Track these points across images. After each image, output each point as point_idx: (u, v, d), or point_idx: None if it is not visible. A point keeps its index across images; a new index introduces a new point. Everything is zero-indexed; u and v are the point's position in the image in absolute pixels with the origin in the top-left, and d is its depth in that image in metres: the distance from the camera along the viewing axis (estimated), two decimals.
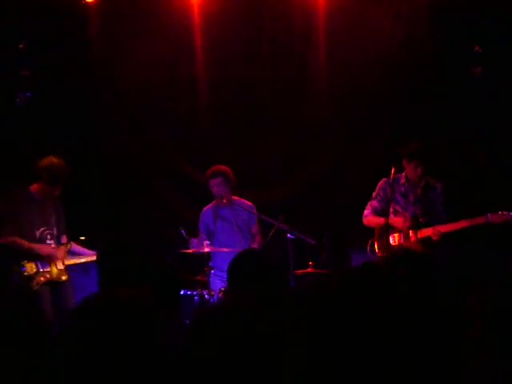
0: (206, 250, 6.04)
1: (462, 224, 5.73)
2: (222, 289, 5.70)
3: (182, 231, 6.10)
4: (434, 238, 5.72)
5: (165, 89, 7.37)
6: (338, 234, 6.46)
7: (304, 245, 6.09)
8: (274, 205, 6.92)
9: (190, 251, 6.18)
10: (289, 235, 6.00)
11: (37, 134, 6.72)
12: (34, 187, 5.83)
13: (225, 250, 6.08)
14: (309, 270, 6.23)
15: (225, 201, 6.34)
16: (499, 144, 6.83)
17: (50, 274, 5.75)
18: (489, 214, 5.64)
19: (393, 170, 5.85)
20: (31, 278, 5.64)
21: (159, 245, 6.57)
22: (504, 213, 5.63)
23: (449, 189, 6.08)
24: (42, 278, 5.69)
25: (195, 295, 5.79)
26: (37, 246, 5.70)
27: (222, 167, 6.39)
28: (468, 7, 6.79)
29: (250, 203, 6.54)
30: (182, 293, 5.79)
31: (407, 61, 7.09)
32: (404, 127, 6.94)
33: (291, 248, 5.98)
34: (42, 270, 5.70)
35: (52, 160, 5.78)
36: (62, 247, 5.89)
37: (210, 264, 6.15)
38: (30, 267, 5.66)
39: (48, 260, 5.73)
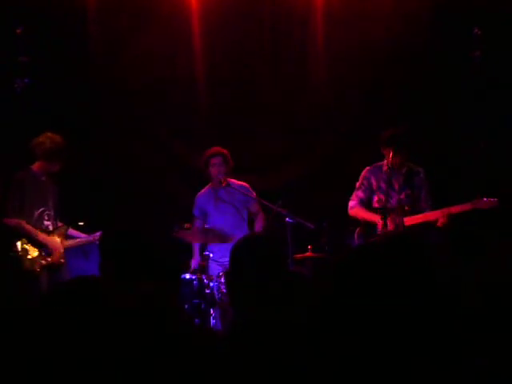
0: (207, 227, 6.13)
1: (450, 210, 5.63)
2: (221, 274, 5.74)
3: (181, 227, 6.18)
4: (441, 220, 5.61)
5: (163, 77, 7.36)
6: (337, 218, 6.46)
7: (303, 229, 6.09)
8: (274, 190, 6.94)
9: (188, 226, 6.25)
10: (287, 219, 6.02)
11: (35, 120, 6.71)
12: (35, 166, 5.86)
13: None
14: (308, 254, 6.26)
15: (223, 184, 6.36)
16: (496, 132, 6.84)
17: (52, 258, 5.77)
18: (475, 200, 5.60)
19: (391, 153, 5.85)
20: (34, 260, 5.66)
21: (159, 229, 6.58)
22: (490, 199, 5.59)
23: (430, 175, 6.04)
24: (43, 262, 5.71)
25: (194, 279, 5.82)
26: (38, 233, 5.71)
27: (223, 149, 6.46)
28: None
29: (244, 183, 6.58)
30: (182, 277, 5.85)
31: (407, 48, 7.07)
32: (404, 113, 6.95)
33: (290, 232, 6.01)
34: (44, 253, 5.72)
35: (46, 135, 5.81)
36: (61, 230, 5.90)
37: (207, 250, 6.21)
38: (33, 250, 5.69)
39: (50, 247, 5.75)
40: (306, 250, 6.23)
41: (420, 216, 5.76)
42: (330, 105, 7.35)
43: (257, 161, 7.33)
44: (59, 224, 5.96)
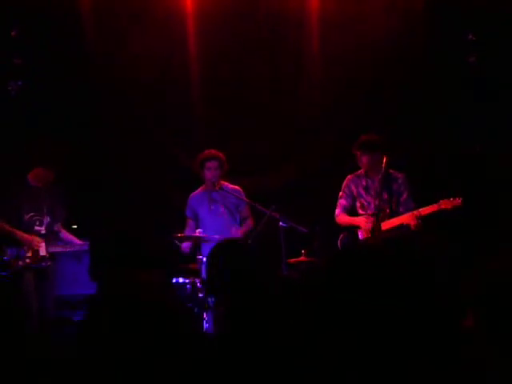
0: (198, 234, 6.10)
1: (420, 212, 5.75)
2: None
3: (175, 241, 6.17)
4: (413, 223, 5.73)
5: (158, 78, 7.35)
6: (330, 222, 6.47)
7: (296, 233, 6.10)
8: (267, 193, 6.94)
9: (182, 235, 6.25)
10: (281, 223, 6.02)
11: (30, 123, 6.71)
12: (30, 173, 5.88)
13: (216, 236, 6.10)
14: (301, 258, 6.25)
15: (217, 188, 6.37)
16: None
17: (30, 259, 5.75)
18: (441, 201, 5.71)
19: (385, 159, 5.90)
20: (9, 262, 5.65)
21: (153, 232, 6.58)
22: (453, 199, 5.68)
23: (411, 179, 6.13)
24: (20, 263, 5.71)
25: (187, 283, 5.81)
26: (17, 232, 5.72)
27: (218, 152, 6.45)
28: None
29: (237, 187, 6.59)
30: (174, 281, 5.84)
31: (402, 49, 7.11)
32: (401, 115, 6.97)
33: (283, 236, 6.01)
34: (21, 254, 5.71)
35: (42, 142, 5.82)
36: (48, 237, 5.90)
37: (200, 253, 6.19)
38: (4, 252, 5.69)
39: (27, 246, 5.74)
40: (300, 255, 6.21)
41: (394, 220, 5.89)
42: (325, 106, 7.35)
43: (250, 163, 7.32)
44: (56, 228, 5.95)
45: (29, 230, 5.80)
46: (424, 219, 5.73)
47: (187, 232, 6.50)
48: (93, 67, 7.27)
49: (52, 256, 5.84)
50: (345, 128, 7.26)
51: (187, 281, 5.85)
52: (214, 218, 6.55)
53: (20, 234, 5.72)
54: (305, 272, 6.08)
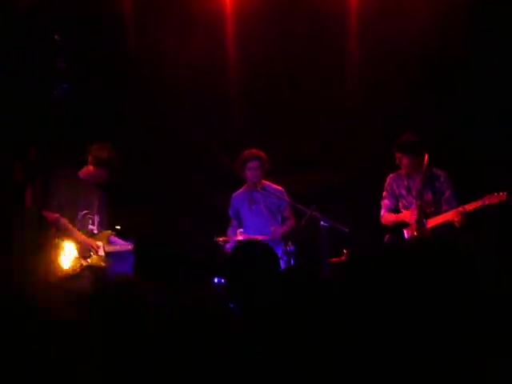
0: (240, 237, 6.11)
1: (465, 208, 5.68)
2: None
3: (217, 239, 6.20)
4: (457, 219, 5.66)
5: (199, 81, 7.41)
6: (371, 221, 6.44)
7: (338, 233, 6.08)
8: (309, 193, 6.94)
9: (224, 239, 6.27)
10: (322, 223, 6.02)
11: (74, 126, 6.83)
12: (82, 171, 6.00)
13: (258, 237, 6.12)
14: (343, 258, 6.23)
15: (258, 188, 6.40)
16: None
17: (92, 259, 5.86)
18: (486, 196, 5.63)
19: (426, 157, 5.85)
20: (73, 260, 5.76)
21: (194, 234, 6.64)
22: (499, 193, 5.58)
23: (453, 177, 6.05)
24: (83, 262, 5.81)
25: None
26: (75, 231, 5.82)
27: (260, 152, 6.47)
28: None
29: (279, 187, 6.60)
30: (215, 281, 5.88)
31: (441, 50, 7.01)
32: (439, 116, 6.90)
33: (325, 236, 6.00)
34: (82, 254, 5.82)
35: (101, 144, 5.95)
36: (103, 235, 5.99)
37: None
38: (70, 250, 5.80)
39: (86, 246, 5.84)
40: (342, 254, 6.20)
41: (439, 217, 5.83)
42: (365, 107, 7.33)
43: (292, 163, 7.33)
44: (105, 229, 6.06)
45: (83, 228, 5.93)
46: (469, 215, 5.66)
47: (230, 232, 6.54)
48: (135, 70, 7.36)
49: (108, 255, 5.96)
50: (385, 126, 7.22)
51: None
52: (254, 218, 6.57)
53: (80, 235, 5.83)
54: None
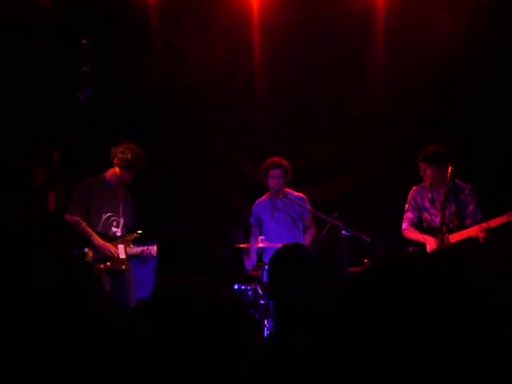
0: (261, 245, 6.10)
1: (489, 224, 5.59)
2: None
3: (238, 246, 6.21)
4: (481, 235, 5.57)
5: (223, 88, 7.44)
6: (394, 231, 6.41)
7: (359, 242, 6.06)
8: (330, 201, 6.92)
9: (245, 246, 6.28)
10: (344, 232, 6.00)
11: (99, 130, 6.86)
12: (107, 173, 6.02)
13: (278, 245, 6.10)
14: (364, 267, 6.20)
15: (281, 196, 6.40)
16: None
17: (111, 263, 5.87)
18: (510, 212, 5.54)
19: (450, 169, 5.78)
20: (92, 264, 5.78)
21: (216, 240, 6.64)
22: None
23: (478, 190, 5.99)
24: (101, 266, 5.82)
25: (249, 290, 5.84)
26: (94, 236, 5.83)
27: (283, 160, 6.48)
28: None
29: (302, 195, 6.60)
30: (236, 287, 5.87)
31: (466, 59, 6.97)
32: (463, 126, 6.85)
33: (346, 245, 5.98)
34: (100, 258, 5.83)
35: (127, 145, 5.98)
36: (127, 238, 6.00)
37: (263, 259, 6.20)
38: (89, 254, 5.81)
39: (101, 252, 5.84)
40: (363, 264, 6.16)
41: (462, 233, 5.75)
42: (388, 116, 7.28)
43: (314, 171, 7.33)
44: (129, 231, 6.07)
45: (106, 231, 5.94)
46: (493, 231, 5.57)
47: (252, 240, 6.55)
48: (159, 75, 7.39)
49: (129, 258, 5.96)
50: (408, 135, 7.20)
51: (249, 287, 5.87)
52: (276, 226, 6.57)
53: (97, 240, 5.84)
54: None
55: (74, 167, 6.58)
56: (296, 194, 6.60)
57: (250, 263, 6.52)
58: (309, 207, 6.54)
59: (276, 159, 6.50)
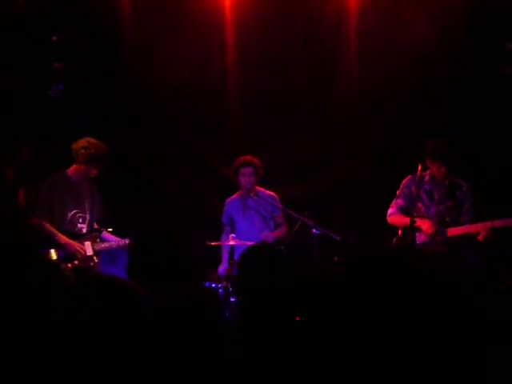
0: (232, 242, 6.12)
1: (494, 224, 5.60)
2: None
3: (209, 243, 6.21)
4: (483, 233, 5.59)
5: (196, 85, 7.41)
6: (364, 230, 6.46)
7: (329, 241, 6.09)
8: (301, 200, 6.95)
9: (216, 244, 6.28)
10: (314, 230, 6.03)
11: (70, 125, 6.82)
12: (70, 169, 5.98)
13: (249, 243, 6.12)
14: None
15: (252, 194, 6.42)
16: None
17: (78, 261, 5.83)
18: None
19: (419, 167, 5.83)
20: (57, 263, 5.73)
21: (188, 237, 6.62)
22: None
23: (474, 189, 6.02)
24: (69, 265, 5.78)
25: (220, 288, 5.84)
26: (58, 235, 5.79)
27: (254, 158, 6.48)
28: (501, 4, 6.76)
29: (272, 193, 6.62)
30: (206, 285, 5.87)
31: (439, 58, 7.02)
32: (436, 124, 6.90)
33: (316, 243, 6.02)
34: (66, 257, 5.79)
35: (87, 140, 5.92)
36: (92, 234, 5.97)
37: (234, 257, 6.22)
38: (52, 254, 5.76)
39: (67, 250, 5.80)
40: (332, 262, 6.21)
41: (462, 228, 5.76)
42: (362, 115, 7.33)
43: (285, 170, 7.34)
44: (95, 227, 6.03)
45: (72, 227, 5.90)
46: (495, 231, 5.56)
47: (223, 238, 6.56)
48: (131, 72, 7.35)
49: (96, 254, 5.92)
50: (382, 135, 7.26)
51: (220, 285, 5.88)
52: (247, 225, 6.59)
53: (63, 238, 5.80)
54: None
55: (45, 165, 6.53)
56: (267, 192, 6.62)
57: (222, 268, 6.52)
58: (280, 205, 6.56)
59: (247, 157, 6.51)
